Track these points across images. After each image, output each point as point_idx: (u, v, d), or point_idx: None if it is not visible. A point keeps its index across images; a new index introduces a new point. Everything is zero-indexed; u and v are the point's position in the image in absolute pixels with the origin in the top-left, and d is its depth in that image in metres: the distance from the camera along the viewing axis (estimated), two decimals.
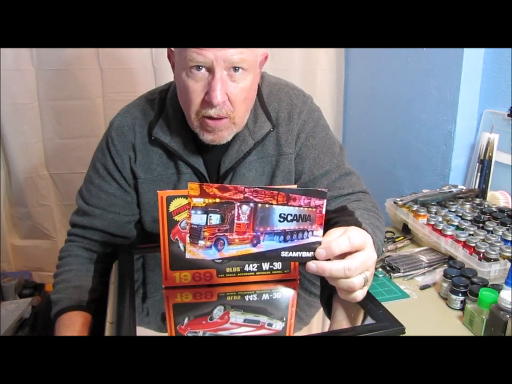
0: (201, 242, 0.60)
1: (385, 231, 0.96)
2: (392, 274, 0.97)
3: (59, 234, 1.88)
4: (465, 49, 1.30)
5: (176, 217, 0.77)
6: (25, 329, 1.48)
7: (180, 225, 0.77)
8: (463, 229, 1.04)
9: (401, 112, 1.63)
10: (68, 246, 0.98)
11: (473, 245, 0.96)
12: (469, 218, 1.08)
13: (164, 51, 0.89)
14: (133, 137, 0.93)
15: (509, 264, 0.90)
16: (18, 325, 1.51)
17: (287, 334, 0.68)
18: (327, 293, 0.75)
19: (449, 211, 1.14)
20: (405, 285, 0.94)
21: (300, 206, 0.61)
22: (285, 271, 0.80)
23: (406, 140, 1.61)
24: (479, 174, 1.32)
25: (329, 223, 0.75)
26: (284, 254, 0.62)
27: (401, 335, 0.64)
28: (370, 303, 0.70)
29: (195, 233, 0.59)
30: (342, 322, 0.71)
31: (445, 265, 0.99)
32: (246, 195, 0.59)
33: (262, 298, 0.77)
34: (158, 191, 0.77)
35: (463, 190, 1.23)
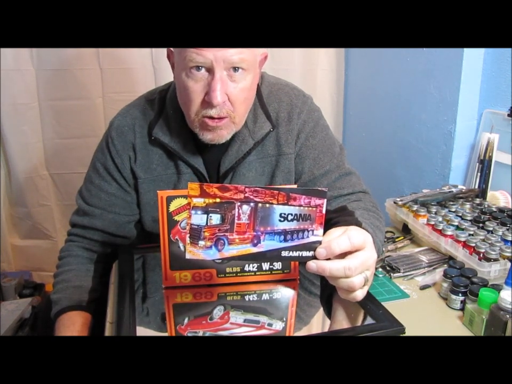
0: (201, 243, 0.60)
1: (385, 231, 0.96)
2: (392, 274, 0.97)
3: (59, 234, 1.88)
4: (465, 49, 1.30)
5: (176, 217, 0.77)
6: (25, 329, 1.47)
7: (179, 225, 0.77)
8: (463, 229, 1.04)
9: (401, 112, 1.63)
10: (68, 246, 0.98)
11: (473, 245, 0.96)
12: (469, 218, 1.08)
13: (163, 51, 0.89)
14: (133, 137, 0.93)
15: (509, 264, 0.90)
16: (18, 325, 1.51)
17: (287, 334, 0.68)
18: (327, 292, 0.75)
19: (449, 211, 1.14)
20: (405, 285, 0.94)
21: (300, 206, 0.61)
22: (285, 271, 0.80)
23: (406, 140, 1.61)
24: (479, 174, 1.32)
25: (329, 223, 0.75)
26: (284, 253, 0.62)
27: (401, 335, 0.64)
28: (370, 303, 0.70)
29: (195, 234, 0.59)
30: (342, 322, 0.71)
31: (445, 265, 0.99)
32: (246, 195, 0.59)
33: (262, 298, 0.77)
34: (158, 191, 0.77)
35: (463, 190, 1.23)
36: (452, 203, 1.19)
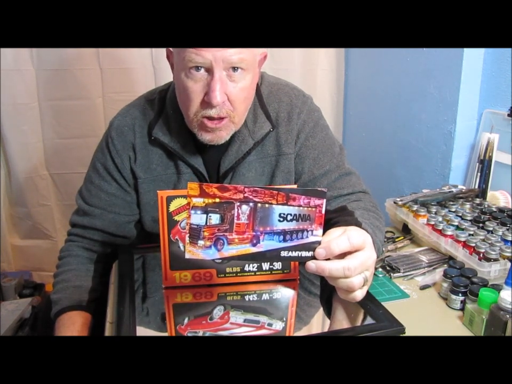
0: (200, 242, 0.60)
1: (385, 231, 0.96)
2: (392, 274, 0.97)
3: (59, 234, 1.88)
4: (465, 49, 1.30)
5: (176, 217, 0.77)
6: (25, 329, 1.47)
7: (179, 225, 0.77)
8: (463, 229, 1.04)
9: (401, 112, 1.63)
10: (68, 246, 0.98)
11: (473, 245, 0.96)
12: (469, 218, 1.08)
13: (163, 51, 0.89)
14: (132, 137, 0.93)
15: (509, 264, 0.90)
16: (18, 325, 1.51)
17: (287, 334, 0.68)
18: (327, 292, 0.75)
19: (449, 211, 1.14)
20: (405, 285, 0.94)
21: (299, 206, 0.61)
22: (285, 271, 0.80)
23: (406, 140, 1.61)
24: (479, 174, 1.32)
25: (329, 223, 0.75)
26: (283, 253, 0.62)
27: (401, 335, 0.64)
28: (370, 303, 0.70)
29: (195, 233, 0.59)
30: (342, 322, 0.71)
31: (445, 265, 0.99)
32: (245, 195, 0.59)
33: (262, 298, 0.77)
34: (158, 191, 0.77)
35: (463, 190, 1.23)
36: (451, 203, 1.19)
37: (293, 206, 0.61)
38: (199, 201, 0.59)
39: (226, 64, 0.78)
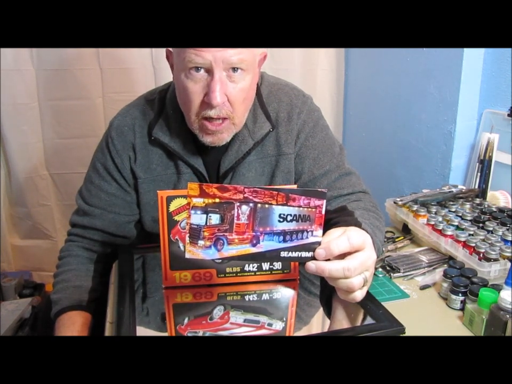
0: (200, 242, 0.60)
1: (385, 231, 0.96)
2: (392, 274, 0.97)
3: (59, 234, 1.88)
4: (465, 49, 1.30)
5: (176, 217, 0.77)
6: (25, 329, 1.47)
7: (179, 225, 0.77)
8: (463, 229, 1.04)
9: (401, 112, 1.63)
10: (68, 246, 0.98)
11: (473, 245, 0.96)
12: (469, 218, 1.08)
13: (163, 51, 0.89)
14: (132, 137, 0.93)
15: (509, 264, 0.90)
16: (18, 325, 1.51)
17: (287, 334, 0.68)
18: (327, 292, 0.75)
19: (449, 211, 1.14)
20: (405, 285, 0.94)
21: (299, 206, 0.61)
22: (285, 271, 0.80)
23: (406, 140, 1.61)
24: (479, 174, 1.32)
25: (329, 223, 0.75)
26: (283, 254, 0.62)
27: (401, 335, 0.64)
28: (370, 303, 0.70)
29: (195, 233, 0.59)
30: (342, 322, 0.71)
31: (445, 265, 0.99)
32: (245, 195, 0.59)
33: (262, 298, 0.77)
34: (158, 191, 0.77)
35: (463, 190, 1.23)
36: (452, 203, 1.19)
37: (293, 206, 0.61)
38: (199, 201, 0.59)
39: (226, 64, 0.78)
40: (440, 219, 1.09)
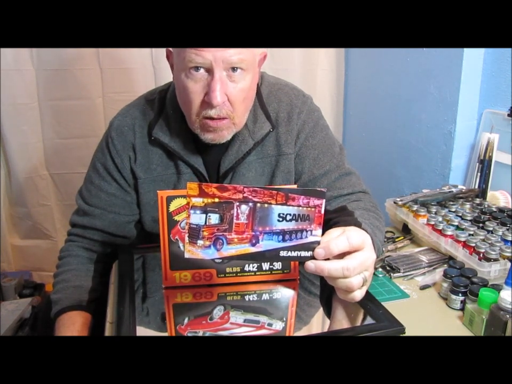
0: (200, 242, 0.60)
1: (385, 231, 0.96)
2: (392, 274, 0.97)
3: (59, 234, 1.88)
4: (465, 49, 1.30)
5: (176, 217, 0.77)
6: (25, 329, 1.47)
7: (179, 225, 0.77)
8: (463, 229, 1.04)
9: (401, 112, 1.63)
10: (67, 246, 0.98)
11: (473, 245, 0.96)
12: (469, 218, 1.08)
13: (163, 51, 0.89)
14: (132, 137, 0.93)
15: (509, 264, 0.90)
16: (18, 325, 1.51)
17: (287, 334, 0.68)
18: (327, 292, 0.75)
19: (449, 211, 1.14)
20: (405, 285, 0.94)
21: (298, 206, 0.61)
22: (285, 271, 0.80)
23: (406, 140, 1.61)
24: (479, 174, 1.32)
25: (329, 223, 0.75)
26: (282, 253, 0.62)
27: (401, 335, 0.64)
28: (370, 303, 0.70)
29: (194, 233, 0.59)
30: (342, 322, 0.71)
31: (445, 265, 0.99)
32: (245, 195, 0.59)
33: (262, 298, 0.77)
34: (158, 191, 0.77)
35: (463, 190, 1.23)
36: (452, 203, 1.19)
37: (292, 206, 0.61)
38: (198, 201, 0.59)
39: (226, 64, 0.78)
40: (440, 219, 1.09)
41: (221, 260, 0.76)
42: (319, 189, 0.61)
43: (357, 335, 0.63)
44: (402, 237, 1.15)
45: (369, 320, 0.68)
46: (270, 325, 0.69)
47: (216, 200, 0.59)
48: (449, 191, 1.22)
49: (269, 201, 0.60)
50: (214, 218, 0.59)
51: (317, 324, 0.76)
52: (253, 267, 0.78)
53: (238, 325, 0.69)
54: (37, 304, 1.63)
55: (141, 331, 0.68)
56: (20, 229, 1.90)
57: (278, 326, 0.69)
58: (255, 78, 0.86)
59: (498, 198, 1.23)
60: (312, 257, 0.62)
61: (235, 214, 0.60)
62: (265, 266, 0.79)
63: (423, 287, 0.93)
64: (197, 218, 0.59)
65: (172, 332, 0.70)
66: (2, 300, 1.70)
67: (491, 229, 1.03)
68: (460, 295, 0.84)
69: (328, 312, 0.74)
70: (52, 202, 1.86)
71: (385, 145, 1.74)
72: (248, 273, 0.78)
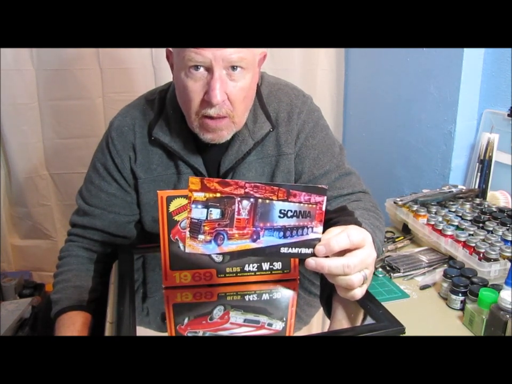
0: (201, 237, 0.60)
1: (385, 231, 0.96)
2: (392, 274, 0.97)
3: (59, 234, 1.88)
4: (465, 49, 1.30)
5: (176, 217, 0.77)
6: (25, 329, 1.47)
7: (179, 225, 0.77)
8: (463, 229, 1.04)
9: (401, 112, 1.63)
10: (68, 246, 0.98)
11: (473, 245, 0.96)
12: (469, 218, 1.08)
13: (163, 51, 0.89)
14: (133, 137, 0.93)
15: (509, 264, 0.90)
16: (18, 325, 1.51)
17: (287, 334, 0.68)
18: (327, 292, 0.75)
19: (449, 211, 1.14)
20: (405, 285, 0.94)
21: (300, 202, 0.61)
22: (285, 271, 0.80)
23: (406, 140, 1.61)
24: (479, 174, 1.32)
25: (329, 223, 0.75)
26: (283, 250, 0.62)
27: (401, 335, 0.64)
28: (370, 303, 0.70)
29: (195, 228, 0.59)
30: (342, 322, 0.71)
31: (445, 265, 0.99)
32: (246, 190, 0.59)
33: (262, 298, 0.77)
34: (158, 191, 0.77)
35: (463, 190, 1.23)
36: (452, 203, 1.19)
37: (294, 202, 0.61)
38: (200, 195, 0.59)
39: (226, 63, 0.78)
40: (440, 219, 1.10)
41: (221, 260, 0.76)
42: (320, 185, 0.61)
43: (357, 335, 0.63)
44: (402, 237, 1.15)
45: (369, 320, 0.68)
46: (270, 325, 0.69)
47: (218, 195, 0.59)
48: (449, 191, 1.22)
49: (270, 197, 0.60)
50: (215, 213, 0.59)
51: (317, 324, 0.76)
52: (253, 267, 0.78)
53: (238, 325, 0.69)
54: (37, 304, 1.63)
55: (141, 331, 0.68)
56: (20, 229, 1.90)
57: (278, 326, 0.69)
58: (255, 77, 0.86)
59: (498, 198, 1.23)
60: (313, 254, 0.62)
61: (236, 209, 0.60)
62: (265, 266, 0.79)
63: (423, 287, 0.93)
64: (198, 212, 0.59)
65: (171, 332, 0.70)
66: (2, 300, 1.70)
67: (491, 229, 1.03)
68: (460, 295, 0.84)
69: (328, 312, 0.74)
70: (52, 202, 1.86)
71: (385, 145, 1.74)
72: (248, 273, 0.78)
